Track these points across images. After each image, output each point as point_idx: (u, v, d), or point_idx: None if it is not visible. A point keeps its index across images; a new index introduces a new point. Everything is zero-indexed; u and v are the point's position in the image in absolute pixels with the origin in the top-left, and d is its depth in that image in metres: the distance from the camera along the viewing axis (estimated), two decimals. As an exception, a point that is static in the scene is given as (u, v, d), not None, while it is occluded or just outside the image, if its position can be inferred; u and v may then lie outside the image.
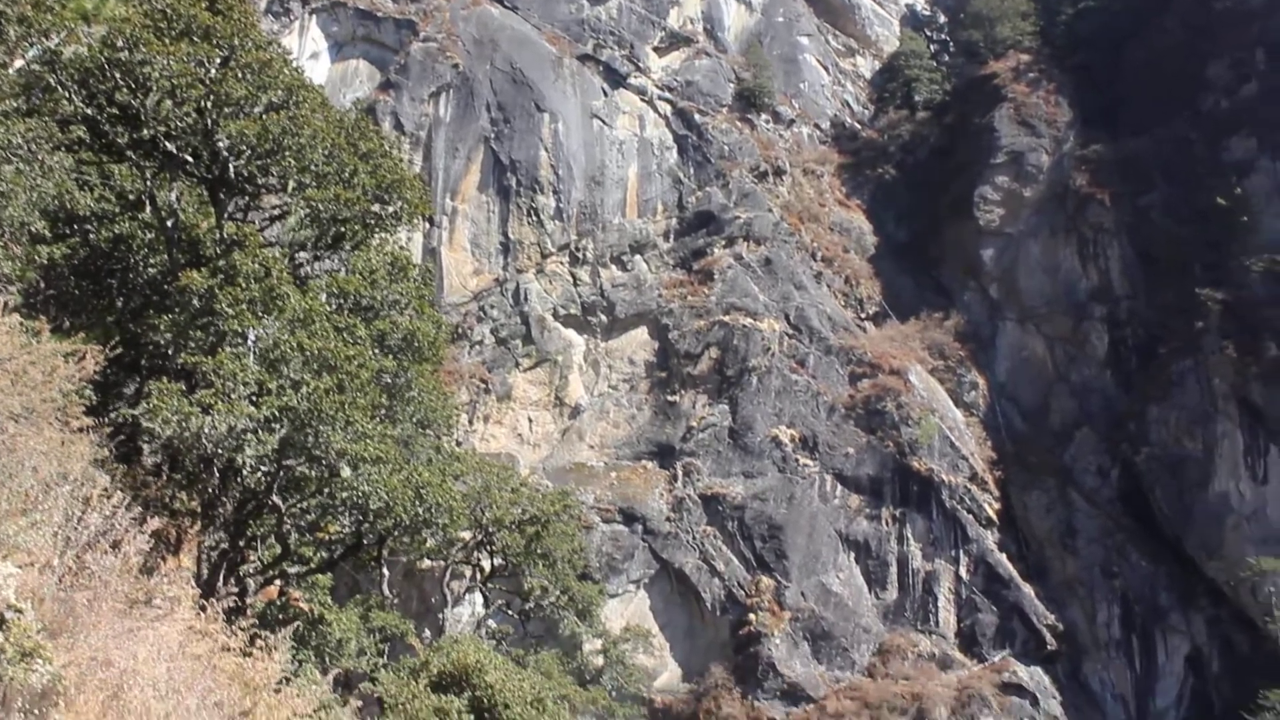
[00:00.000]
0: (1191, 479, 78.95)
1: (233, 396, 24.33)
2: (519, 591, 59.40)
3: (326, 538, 32.47)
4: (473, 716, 22.32)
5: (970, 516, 79.66)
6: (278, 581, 30.95)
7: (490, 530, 53.79)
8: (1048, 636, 77.35)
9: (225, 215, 28.84)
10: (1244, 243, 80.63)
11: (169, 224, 28.11)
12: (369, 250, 32.28)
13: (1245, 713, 70.56)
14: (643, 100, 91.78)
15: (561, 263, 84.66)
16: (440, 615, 56.88)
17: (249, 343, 26.08)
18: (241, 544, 28.21)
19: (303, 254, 31.68)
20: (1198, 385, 79.85)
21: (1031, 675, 75.67)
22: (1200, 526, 78.24)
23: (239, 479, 26.31)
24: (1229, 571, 76.15)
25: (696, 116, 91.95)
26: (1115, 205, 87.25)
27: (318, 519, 30.43)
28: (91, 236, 28.77)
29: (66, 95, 26.04)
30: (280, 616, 29.38)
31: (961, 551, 78.97)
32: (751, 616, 74.05)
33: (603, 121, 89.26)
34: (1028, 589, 78.59)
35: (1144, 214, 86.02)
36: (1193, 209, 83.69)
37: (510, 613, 60.89)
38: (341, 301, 30.24)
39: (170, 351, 26.76)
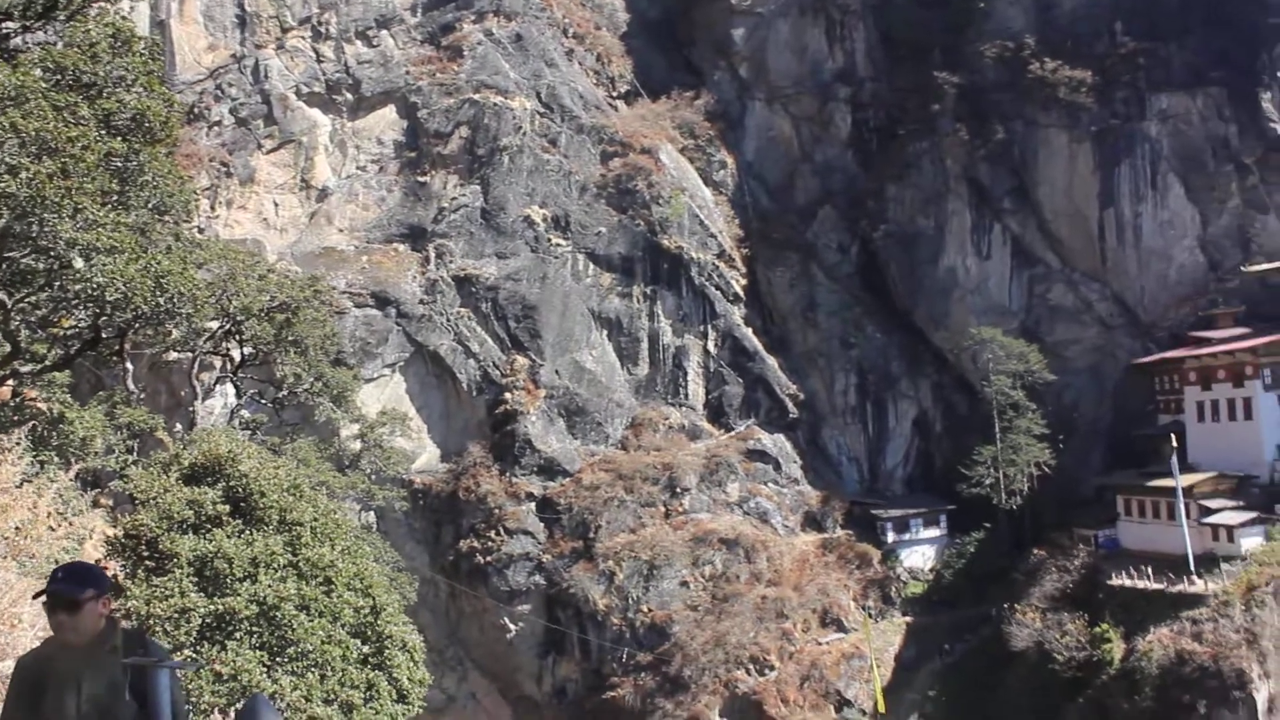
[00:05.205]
0: (923, 255, 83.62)
1: (-58, 184, 22.47)
2: (271, 380, 58.41)
3: (61, 333, 30.87)
4: (228, 506, 21.96)
5: (718, 293, 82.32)
6: (10, 381, 29.37)
7: (238, 319, 52.24)
8: (789, 405, 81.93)
9: (-85, -21, 25.92)
10: (979, 28, 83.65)
11: None
12: (87, 21, 29.63)
13: (961, 467, 77.40)
14: None
15: (303, 37, 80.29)
16: (191, 408, 55.45)
17: (-45, 124, 23.93)
18: (-35, 342, 26.56)
19: (10, 24, 28.89)
20: (932, 166, 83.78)
21: (774, 442, 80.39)
22: (929, 299, 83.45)
23: (-43, 273, 24.58)
24: (953, 340, 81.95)
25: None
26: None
27: (49, 314, 28.85)
28: None
29: None
30: (15, 417, 28.02)
31: (710, 326, 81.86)
32: (507, 395, 75.30)
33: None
34: (772, 361, 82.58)
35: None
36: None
37: (264, 402, 59.95)
38: (59, 78, 27.90)
39: None
